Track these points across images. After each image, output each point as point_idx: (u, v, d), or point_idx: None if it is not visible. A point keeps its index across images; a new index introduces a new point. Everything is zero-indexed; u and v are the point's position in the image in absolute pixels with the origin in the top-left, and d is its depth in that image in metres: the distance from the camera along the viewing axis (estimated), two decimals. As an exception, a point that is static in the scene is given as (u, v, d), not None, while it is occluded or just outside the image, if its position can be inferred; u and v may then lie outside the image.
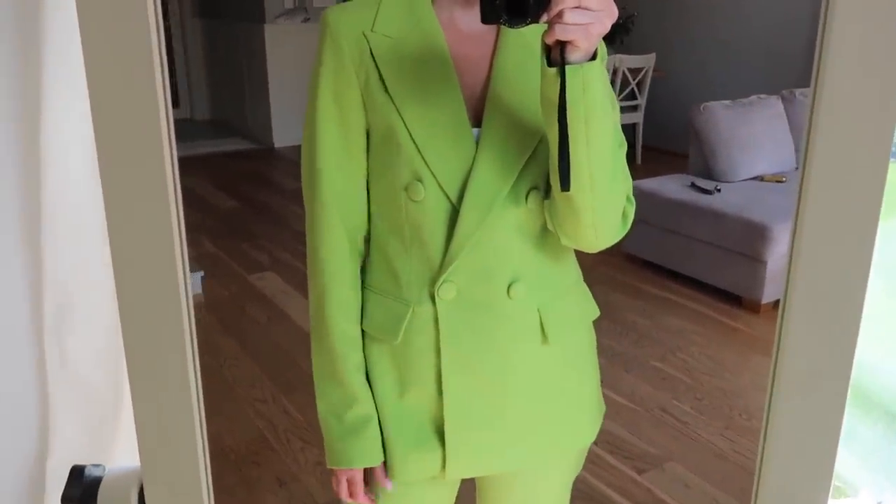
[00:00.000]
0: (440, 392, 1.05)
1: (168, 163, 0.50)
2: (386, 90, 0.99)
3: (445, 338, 1.03)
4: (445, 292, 1.02)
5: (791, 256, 0.56)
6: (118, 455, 1.19)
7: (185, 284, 0.54)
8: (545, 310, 1.06)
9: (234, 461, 2.46)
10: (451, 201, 1.00)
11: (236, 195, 5.56)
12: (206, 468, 0.60)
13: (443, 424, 1.07)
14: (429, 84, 0.99)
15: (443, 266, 1.02)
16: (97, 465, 0.71)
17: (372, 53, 0.99)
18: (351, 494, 1.11)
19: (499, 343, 1.04)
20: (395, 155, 1.00)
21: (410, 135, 0.98)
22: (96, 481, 0.67)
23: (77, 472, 0.70)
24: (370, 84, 1.00)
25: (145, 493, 0.61)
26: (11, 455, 1.17)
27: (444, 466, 1.08)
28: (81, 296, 1.14)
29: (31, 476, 1.18)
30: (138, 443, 0.58)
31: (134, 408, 0.57)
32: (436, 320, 1.03)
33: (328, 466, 1.09)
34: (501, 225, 1.00)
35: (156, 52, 0.48)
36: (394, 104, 0.98)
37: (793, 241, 0.57)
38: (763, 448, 0.64)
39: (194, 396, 0.56)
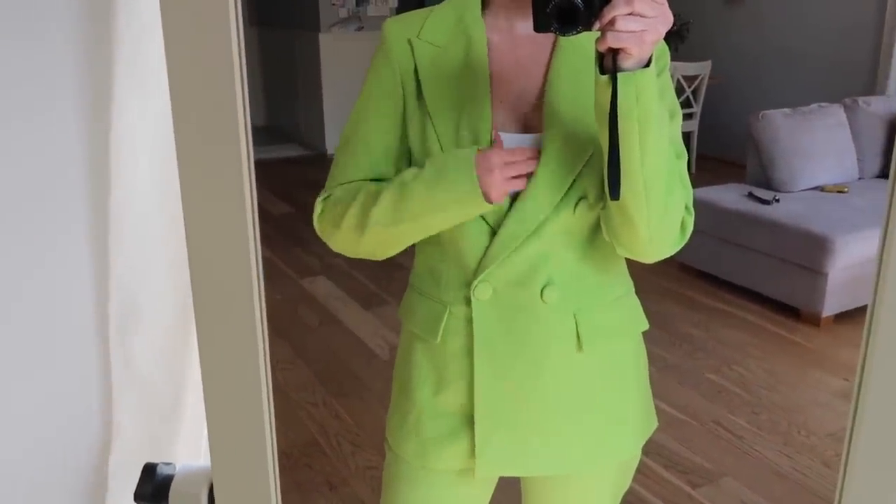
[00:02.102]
0: (473, 392, 1.06)
1: (245, 166, 0.50)
2: (422, 97, 1.00)
3: (479, 338, 1.04)
4: (481, 292, 1.03)
5: (880, 263, 0.54)
6: (178, 454, 1.21)
7: (259, 287, 0.55)
8: (582, 317, 1.04)
9: (285, 464, 2.49)
10: None
11: (289, 200, 5.64)
12: (275, 470, 0.61)
13: (474, 423, 1.07)
14: (461, 93, 1.00)
15: (479, 268, 1.02)
16: (168, 464, 0.73)
17: (415, 61, 1.01)
18: (512, 168, 0.96)
19: (531, 346, 1.04)
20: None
21: (440, 142, 0.99)
22: (168, 479, 0.68)
23: (150, 470, 0.71)
24: (411, 91, 1.02)
25: (215, 493, 0.62)
26: (76, 451, 1.20)
27: (473, 456, 1.09)
28: (145, 297, 1.17)
29: (93, 472, 1.20)
30: (209, 444, 0.59)
31: (206, 410, 0.58)
32: (470, 321, 1.04)
33: (485, 196, 0.95)
34: (545, 231, 1.00)
35: (236, 59, 0.49)
36: (427, 111, 1.00)
37: (882, 248, 0.55)
38: (844, 474, 0.61)
39: (265, 399, 0.56)
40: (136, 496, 0.70)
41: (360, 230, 1.03)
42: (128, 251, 1.12)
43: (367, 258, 1.10)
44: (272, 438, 0.57)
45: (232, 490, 0.59)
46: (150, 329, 1.17)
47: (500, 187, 0.94)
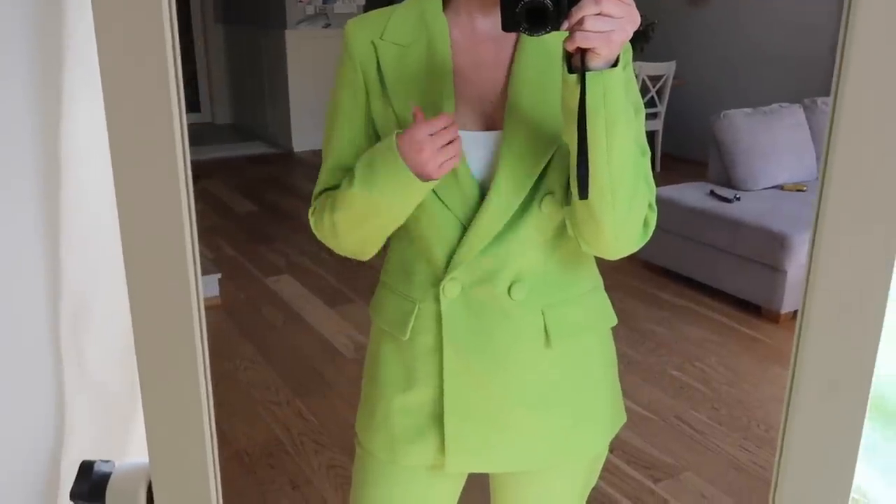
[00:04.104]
0: (442, 389, 1.07)
1: (181, 166, 0.50)
2: (388, 98, 1.00)
3: (448, 335, 1.04)
4: (450, 290, 1.03)
5: (810, 265, 0.56)
6: (133, 456, 1.19)
7: (197, 285, 0.55)
8: (550, 313, 1.05)
9: (248, 463, 2.47)
10: (447, 206, 1.00)
11: (255, 199, 5.60)
12: (215, 465, 0.60)
13: (443, 419, 1.08)
14: (426, 92, 1.00)
15: (449, 266, 1.02)
16: (106, 461, 0.72)
17: (378, 61, 1.01)
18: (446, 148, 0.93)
19: (500, 343, 1.05)
20: None
21: None
22: (105, 477, 0.67)
23: (86, 468, 0.70)
24: (376, 92, 1.02)
25: (153, 489, 0.61)
26: (27, 456, 1.18)
27: (443, 453, 1.09)
28: (98, 299, 1.15)
29: (45, 477, 1.18)
30: (147, 439, 0.58)
31: (143, 405, 0.57)
32: (439, 319, 1.05)
33: (423, 177, 0.93)
34: (513, 228, 1.00)
35: (170, 55, 0.48)
36: (393, 112, 1.00)
37: (812, 250, 0.56)
38: (780, 459, 0.63)
39: (203, 393, 0.56)
40: (72, 495, 0.69)
41: (335, 237, 1.06)
42: (80, 251, 1.11)
43: (361, 258, 1.11)
44: (212, 433, 0.57)
45: (171, 486, 0.58)
46: (103, 330, 1.16)
47: (435, 161, 0.91)
